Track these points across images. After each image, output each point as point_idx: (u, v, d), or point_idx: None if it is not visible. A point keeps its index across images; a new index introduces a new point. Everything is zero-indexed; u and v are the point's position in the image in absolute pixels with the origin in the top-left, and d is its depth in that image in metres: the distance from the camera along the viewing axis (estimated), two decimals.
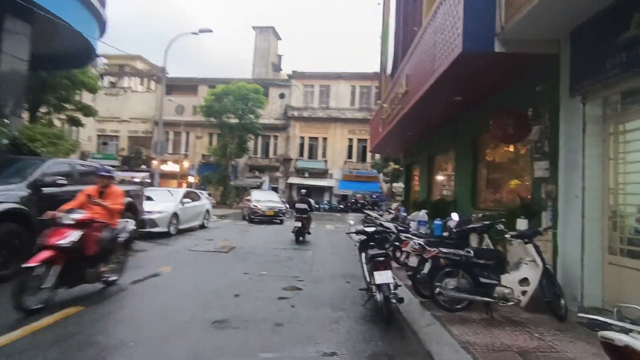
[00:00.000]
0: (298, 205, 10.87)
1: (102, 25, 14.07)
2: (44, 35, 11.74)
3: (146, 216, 9.06)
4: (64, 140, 13.59)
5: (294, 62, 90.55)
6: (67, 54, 14.79)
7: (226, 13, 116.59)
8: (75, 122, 25.43)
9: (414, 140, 11.52)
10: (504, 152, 6.74)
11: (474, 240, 5.15)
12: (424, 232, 6.28)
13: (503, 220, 4.89)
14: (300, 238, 10.30)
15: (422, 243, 4.63)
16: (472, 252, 4.09)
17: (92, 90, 24.54)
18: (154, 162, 35.46)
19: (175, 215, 10.00)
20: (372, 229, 5.05)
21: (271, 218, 16.19)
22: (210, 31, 13.92)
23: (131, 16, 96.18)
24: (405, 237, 5.71)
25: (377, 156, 30.12)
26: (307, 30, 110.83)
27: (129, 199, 7.58)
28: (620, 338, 1.72)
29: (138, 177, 34.16)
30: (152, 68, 43.12)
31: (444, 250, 4.13)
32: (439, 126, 9.36)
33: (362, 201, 32.77)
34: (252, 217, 15.95)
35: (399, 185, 30.44)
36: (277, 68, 39.45)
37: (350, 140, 33.95)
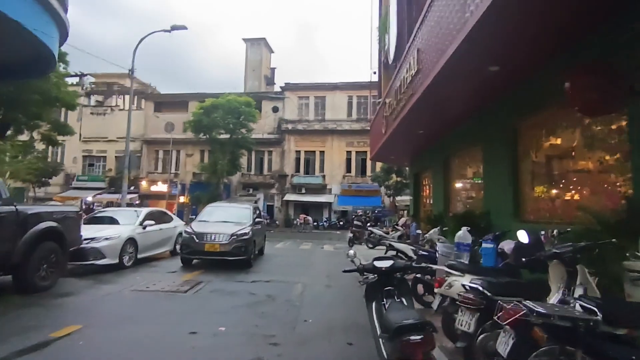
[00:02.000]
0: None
1: (63, 30, 12.25)
2: None
3: (89, 245, 7.03)
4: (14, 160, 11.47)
5: (289, 76, 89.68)
6: (22, 63, 12.93)
7: (220, 27, 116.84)
8: (51, 142, 23.55)
9: (424, 141, 9.59)
10: (568, 138, 4.77)
11: (555, 275, 3.10)
12: (463, 261, 4.16)
13: (613, 240, 2.85)
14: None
15: (482, 288, 2.61)
16: (597, 307, 2.04)
17: (69, 106, 22.77)
18: (142, 183, 33.76)
19: (131, 241, 7.96)
20: (386, 264, 2.98)
21: (219, 256, 8.34)
22: (185, 28, 12.31)
23: (127, 37, 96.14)
24: (436, 269, 3.67)
25: (378, 168, 28.22)
26: (300, 43, 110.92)
27: (50, 224, 5.57)
28: None
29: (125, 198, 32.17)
30: (142, 86, 41.74)
31: (536, 307, 2.06)
32: (458, 118, 7.43)
33: (364, 217, 30.65)
34: (184, 253, 8.56)
35: (402, 199, 28.44)
36: (270, 81, 38.01)
37: (349, 152, 32.10)
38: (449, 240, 6.95)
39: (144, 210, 9.15)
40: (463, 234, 3.79)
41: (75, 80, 36.96)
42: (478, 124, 6.98)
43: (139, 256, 8.26)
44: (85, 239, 6.86)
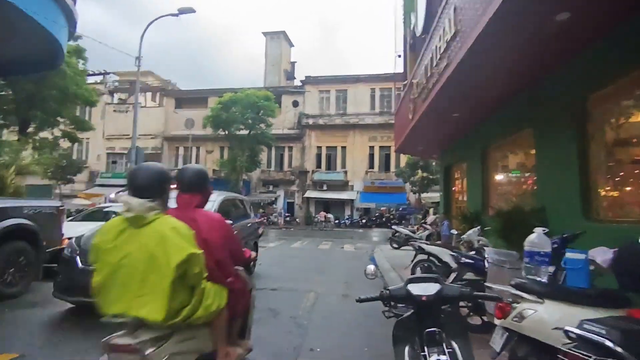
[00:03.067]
0: None
1: (71, 22, 11.61)
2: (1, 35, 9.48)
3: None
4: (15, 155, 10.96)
5: (309, 70, 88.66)
6: (30, 56, 12.41)
7: (244, 28, 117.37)
8: (72, 138, 23.58)
9: (458, 127, 8.32)
10: None
11: None
12: (540, 279, 2.83)
13: None
14: None
15: (611, 341, 1.47)
16: None
17: (89, 103, 22.69)
18: None
19: None
20: (428, 290, 1.76)
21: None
22: (193, 11, 11.52)
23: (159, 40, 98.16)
24: (498, 289, 2.50)
25: (403, 163, 26.80)
26: (322, 43, 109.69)
27: (19, 221, 4.75)
28: None
29: None
30: (162, 83, 41.87)
31: None
32: (502, 96, 6.16)
33: (387, 215, 29.33)
34: (57, 289, 4.42)
35: (428, 196, 26.89)
36: (290, 76, 37.13)
37: (372, 147, 30.78)
38: (491, 242, 5.74)
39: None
40: (538, 239, 2.58)
41: (99, 78, 37.60)
42: (528, 103, 5.70)
43: None
44: (69, 238, 6.05)
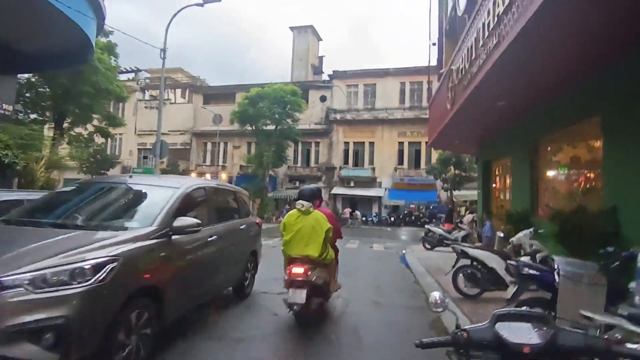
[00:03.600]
0: None
1: (99, 15, 11.51)
2: (33, 30, 9.52)
3: None
4: (35, 143, 11.02)
5: (338, 65, 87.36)
6: (60, 50, 12.45)
7: (273, 26, 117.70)
8: (104, 133, 24.16)
9: (503, 117, 7.52)
10: None
11: None
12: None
13: None
14: None
15: None
16: None
17: (120, 99, 23.14)
18: (192, 175, 34.11)
19: None
20: (534, 335, 1.12)
21: None
22: (218, 0, 11.19)
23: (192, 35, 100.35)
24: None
25: (434, 159, 25.71)
26: (352, 38, 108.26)
27: None
28: None
29: None
30: (191, 79, 42.45)
31: None
32: (561, 81, 5.36)
33: (417, 213, 28.34)
34: None
35: (460, 194, 25.67)
36: (318, 70, 36.57)
37: (401, 143, 29.79)
38: (547, 247, 5.01)
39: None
40: None
41: (131, 75, 38.54)
42: (597, 87, 4.89)
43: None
44: None
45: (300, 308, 3.69)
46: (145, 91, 39.39)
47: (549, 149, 6.65)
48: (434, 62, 11.56)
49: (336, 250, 4.70)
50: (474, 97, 6.40)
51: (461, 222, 11.26)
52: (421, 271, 7.76)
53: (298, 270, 3.76)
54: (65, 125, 21.05)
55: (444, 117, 8.53)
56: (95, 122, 23.29)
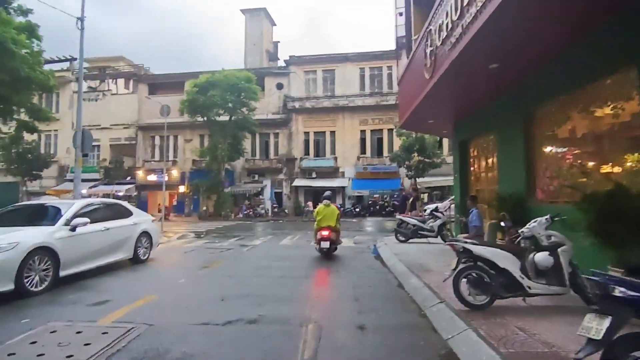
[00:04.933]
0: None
1: None
2: None
3: None
4: None
5: (293, 51, 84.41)
6: None
7: (233, 19, 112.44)
8: (29, 129, 20.91)
9: (490, 86, 6.42)
10: None
11: None
12: None
13: None
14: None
15: None
16: None
17: (45, 88, 19.98)
18: (139, 173, 31.15)
19: (44, 252, 5.09)
20: None
21: None
22: None
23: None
24: None
25: (397, 147, 25.01)
26: (308, 31, 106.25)
27: None
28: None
29: (121, 190, 29.70)
30: (135, 67, 38.88)
31: None
32: (581, 25, 4.25)
33: (381, 202, 27.61)
34: None
35: (424, 181, 25.20)
36: (273, 57, 34.71)
37: (363, 132, 28.86)
38: (573, 239, 3.91)
39: (76, 203, 6.22)
40: None
41: (66, 65, 34.45)
42: (629, 32, 3.80)
43: (63, 273, 5.40)
44: None
45: (326, 250, 8.22)
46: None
47: (550, 118, 5.61)
48: (401, 34, 10.34)
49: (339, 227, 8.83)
50: (464, 59, 5.20)
51: (437, 209, 10.23)
52: (402, 270, 6.56)
53: (325, 232, 8.17)
54: None
55: (420, 91, 7.34)
56: (20, 117, 20.08)
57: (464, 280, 4.11)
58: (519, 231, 4.36)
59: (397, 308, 4.56)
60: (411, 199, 11.70)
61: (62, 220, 5.63)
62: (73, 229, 5.67)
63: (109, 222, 6.67)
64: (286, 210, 28.16)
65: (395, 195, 27.15)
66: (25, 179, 29.29)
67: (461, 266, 4.17)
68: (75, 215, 5.83)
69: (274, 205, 28.44)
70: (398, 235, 10.49)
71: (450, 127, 9.81)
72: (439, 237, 9.97)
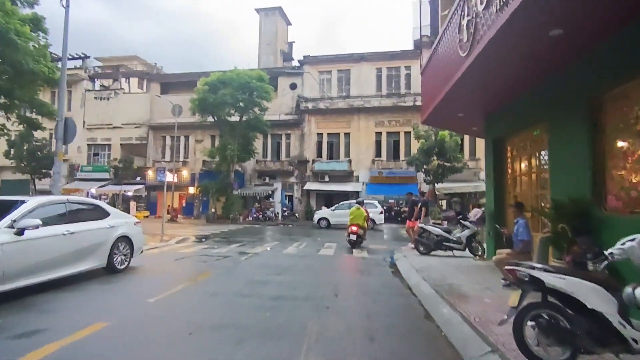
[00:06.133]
0: None
1: None
2: None
3: None
4: None
5: (308, 52, 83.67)
6: None
7: (247, 24, 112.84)
8: (32, 125, 20.37)
9: (547, 57, 5.10)
10: None
11: None
12: None
13: None
14: None
15: None
16: None
17: (49, 81, 19.35)
18: (149, 173, 30.49)
19: None
20: None
21: None
22: None
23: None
24: None
25: (414, 150, 23.57)
26: (323, 38, 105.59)
27: None
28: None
29: (130, 190, 29.10)
30: (147, 67, 38.57)
31: None
32: None
33: (397, 208, 26.20)
34: None
35: (443, 187, 23.69)
36: (287, 57, 33.78)
37: (378, 134, 27.51)
38: None
39: (30, 201, 5.14)
40: None
41: (79, 63, 34.27)
42: None
43: (1, 288, 4.32)
44: None
45: (353, 241, 10.89)
46: (95, 80, 35.21)
47: (631, 102, 4.26)
48: (417, 37, 9.09)
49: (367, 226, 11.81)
50: (516, 23, 3.95)
51: (465, 218, 8.87)
52: (428, 293, 5.27)
53: (354, 228, 10.91)
54: None
55: (451, 75, 6.08)
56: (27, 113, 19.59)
57: (530, 323, 2.82)
58: (607, 253, 3.03)
59: (430, 356, 3.29)
60: (420, 204, 10.41)
61: (4, 222, 4.55)
62: (20, 232, 4.60)
63: (75, 224, 5.58)
64: (297, 215, 27.00)
65: (413, 198, 25.67)
66: (34, 177, 28.99)
67: (525, 303, 2.88)
68: (25, 216, 4.76)
69: (285, 209, 27.31)
70: (419, 246, 9.18)
71: (481, 122, 8.47)
72: (466, 249, 8.64)
